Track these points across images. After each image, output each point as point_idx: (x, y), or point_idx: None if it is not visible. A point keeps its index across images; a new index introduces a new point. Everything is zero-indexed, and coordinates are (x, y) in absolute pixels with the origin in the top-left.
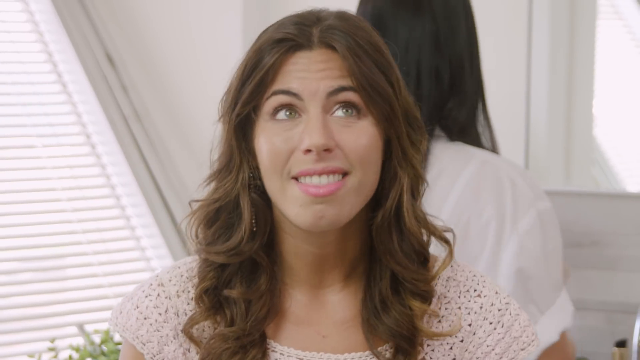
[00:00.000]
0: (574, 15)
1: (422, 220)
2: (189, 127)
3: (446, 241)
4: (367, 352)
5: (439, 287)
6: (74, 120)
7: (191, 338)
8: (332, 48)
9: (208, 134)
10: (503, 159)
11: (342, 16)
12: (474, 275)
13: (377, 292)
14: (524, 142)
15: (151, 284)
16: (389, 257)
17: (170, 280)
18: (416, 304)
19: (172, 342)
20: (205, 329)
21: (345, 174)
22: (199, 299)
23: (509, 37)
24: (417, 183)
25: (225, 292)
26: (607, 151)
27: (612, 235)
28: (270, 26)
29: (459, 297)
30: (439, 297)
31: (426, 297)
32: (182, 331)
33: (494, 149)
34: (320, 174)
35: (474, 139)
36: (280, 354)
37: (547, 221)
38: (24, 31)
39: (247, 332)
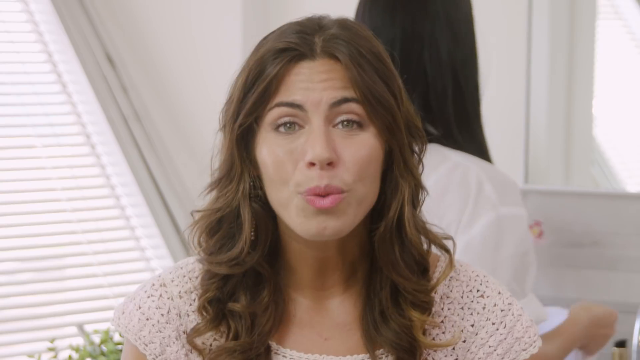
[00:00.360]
0: (574, 15)
1: (423, 230)
2: (188, 127)
3: (446, 250)
4: (368, 355)
5: (441, 287)
6: (74, 120)
7: (195, 347)
8: (335, 58)
9: (208, 134)
10: (479, 161)
11: (344, 24)
12: (477, 275)
13: (377, 302)
14: (523, 142)
15: (153, 284)
16: (391, 268)
17: (172, 281)
18: (416, 315)
19: (174, 343)
20: (208, 336)
21: (346, 185)
22: (202, 309)
23: (508, 37)
24: (417, 192)
25: (230, 305)
26: (607, 151)
27: (612, 235)
28: (271, 33)
29: (462, 297)
30: (441, 297)
31: (426, 307)
32: (186, 339)
33: (482, 153)
34: (324, 193)
35: (457, 142)
36: (283, 356)
37: (507, 227)
38: (24, 31)
39: (253, 345)
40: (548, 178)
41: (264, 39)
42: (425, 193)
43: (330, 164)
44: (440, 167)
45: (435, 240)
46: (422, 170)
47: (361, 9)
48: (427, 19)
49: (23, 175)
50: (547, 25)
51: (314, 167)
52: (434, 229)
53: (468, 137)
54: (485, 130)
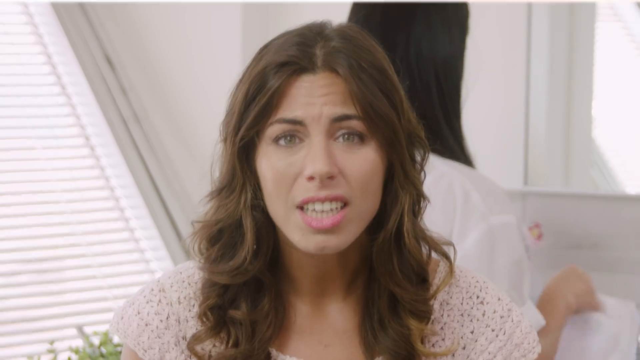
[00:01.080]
0: (574, 17)
1: (423, 238)
2: (187, 129)
3: (447, 257)
4: None
5: (441, 293)
6: (73, 122)
7: (195, 354)
8: (336, 71)
9: (206, 136)
10: (464, 169)
11: (345, 35)
12: (477, 282)
13: (375, 311)
14: (523, 144)
15: (152, 289)
16: (389, 278)
17: (171, 286)
18: (414, 324)
19: (173, 348)
20: (207, 342)
21: (346, 201)
22: (203, 316)
23: (507, 38)
24: (418, 201)
25: (230, 312)
26: (607, 153)
27: (611, 238)
28: (272, 42)
29: (462, 304)
30: (441, 304)
31: (424, 316)
32: (186, 345)
33: (466, 160)
34: (323, 200)
35: (443, 137)
36: None
37: (499, 237)
38: (24, 33)
39: (253, 352)
40: (547, 180)
41: (265, 47)
42: (427, 202)
43: (331, 177)
44: (426, 176)
45: (435, 247)
46: (424, 178)
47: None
48: (405, 15)
49: (23, 177)
50: (547, 26)
51: (314, 180)
52: (435, 235)
53: (451, 134)
54: (480, 133)
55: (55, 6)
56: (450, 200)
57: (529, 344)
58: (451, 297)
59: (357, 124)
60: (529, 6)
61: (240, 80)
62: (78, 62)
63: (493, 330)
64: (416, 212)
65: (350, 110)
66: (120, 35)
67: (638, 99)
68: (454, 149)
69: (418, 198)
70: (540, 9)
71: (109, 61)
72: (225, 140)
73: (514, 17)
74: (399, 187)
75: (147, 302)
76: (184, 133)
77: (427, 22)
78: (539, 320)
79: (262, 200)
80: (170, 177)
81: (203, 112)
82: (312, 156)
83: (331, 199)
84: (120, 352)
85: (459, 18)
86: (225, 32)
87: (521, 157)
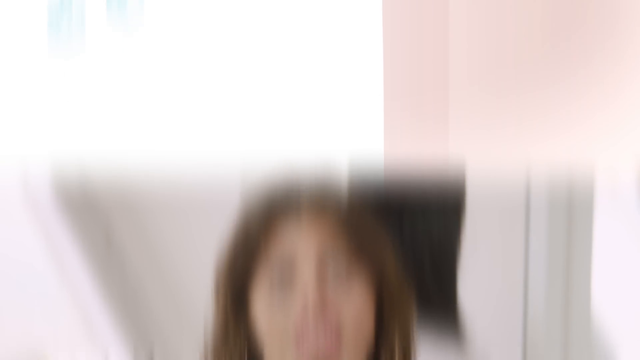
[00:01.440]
0: (572, 194)
1: None
2: (188, 310)
3: None
4: None
5: None
6: (70, 297)
7: None
8: (323, 211)
9: (204, 311)
10: (456, 354)
11: (328, 179)
12: None
13: None
14: (521, 325)
15: None
16: None
17: None
18: None
19: None
20: None
21: (339, 332)
22: None
23: (506, 215)
24: (408, 343)
25: None
26: (607, 337)
27: None
28: (257, 188)
29: None
30: None
31: None
32: None
33: (460, 339)
34: (317, 331)
35: (440, 326)
36: None
37: None
38: (22, 211)
39: None
40: None
41: (251, 194)
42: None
43: (323, 310)
44: None
45: None
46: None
47: None
48: (399, 196)
49: (19, 351)
50: (545, 203)
51: (307, 313)
52: None
53: (445, 312)
54: (478, 313)
55: (56, 185)
56: None
57: None
58: None
59: (345, 259)
60: (527, 184)
61: (230, 230)
62: (78, 240)
63: None
64: (407, 354)
65: (338, 246)
66: (118, 211)
67: (638, 283)
68: (448, 327)
69: (407, 339)
70: (538, 186)
71: (108, 237)
72: (216, 292)
73: (511, 195)
74: (389, 325)
75: None
76: (184, 313)
77: (422, 203)
78: None
79: (258, 348)
80: (169, 353)
81: (204, 290)
82: (304, 294)
83: (325, 329)
84: None
85: (454, 197)
86: (223, 206)
87: (520, 338)
